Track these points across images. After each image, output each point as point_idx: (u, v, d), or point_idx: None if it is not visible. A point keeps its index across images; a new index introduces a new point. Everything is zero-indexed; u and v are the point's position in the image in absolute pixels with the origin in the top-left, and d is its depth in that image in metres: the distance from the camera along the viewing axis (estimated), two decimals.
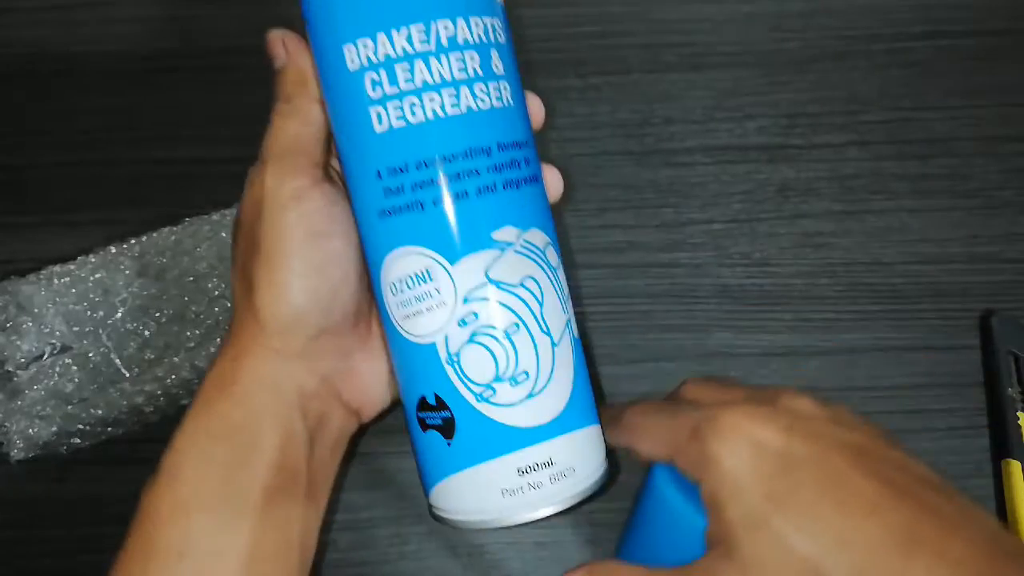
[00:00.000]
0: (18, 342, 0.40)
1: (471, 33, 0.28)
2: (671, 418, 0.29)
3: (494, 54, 0.29)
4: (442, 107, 0.28)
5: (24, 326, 0.40)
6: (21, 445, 0.39)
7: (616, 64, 0.47)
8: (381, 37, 0.28)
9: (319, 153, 0.31)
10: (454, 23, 0.28)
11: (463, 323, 0.28)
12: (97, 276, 0.41)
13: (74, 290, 0.41)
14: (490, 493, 0.29)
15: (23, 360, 0.40)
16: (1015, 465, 0.39)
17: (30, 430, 0.39)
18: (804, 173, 0.45)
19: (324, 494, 0.32)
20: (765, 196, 0.45)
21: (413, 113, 0.28)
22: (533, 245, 0.29)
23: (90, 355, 0.40)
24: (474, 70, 0.28)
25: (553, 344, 0.29)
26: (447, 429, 0.29)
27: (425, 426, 0.30)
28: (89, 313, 0.40)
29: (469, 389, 0.29)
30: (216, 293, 0.41)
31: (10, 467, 0.39)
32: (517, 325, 0.29)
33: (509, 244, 0.29)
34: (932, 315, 0.43)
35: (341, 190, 0.31)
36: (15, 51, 0.47)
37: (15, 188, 0.45)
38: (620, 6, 0.47)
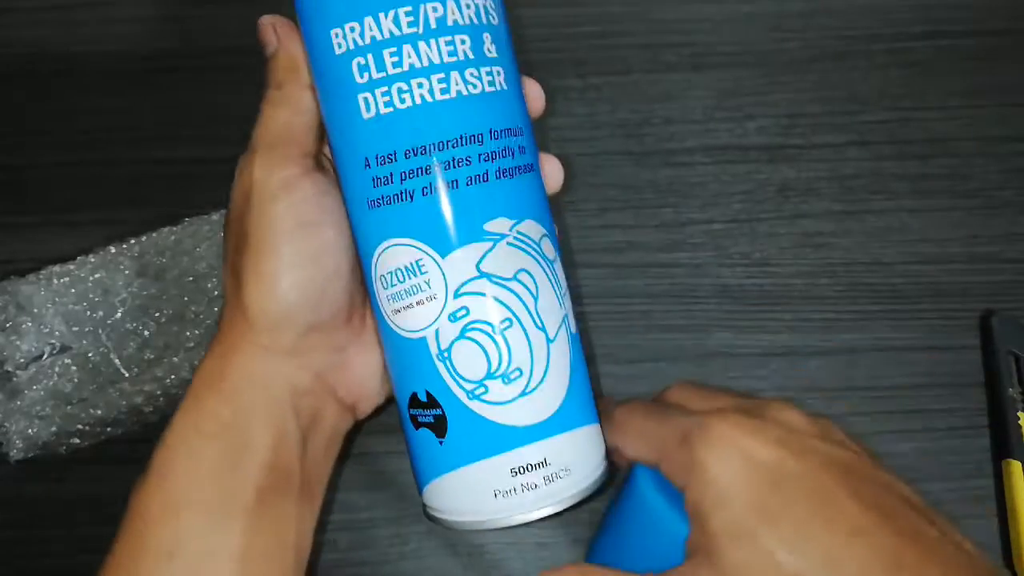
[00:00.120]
0: (17, 342, 0.40)
1: (461, 15, 0.27)
2: (661, 422, 0.29)
3: (487, 37, 0.28)
4: (431, 92, 0.27)
5: (24, 326, 0.40)
6: (20, 445, 0.39)
7: (616, 64, 0.47)
8: (368, 20, 0.27)
9: (310, 142, 0.30)
10: (444, 4, 0.27)
11: (454, 318, 0.28)
12: (97, 276, 0.41)
13: (74, 290, 0.41)
14: (483, 493, 0.28)
15: (22, 360, 0.40)
16: (1015, 465, 0.39)
17: (29, 430, 0.39)
18: (804, 173, 0.45)
19: (319, 492, 0.31)
20: (765, 196, 0.45)
21: (401, 99, 0.27)
22: (527, 237, 0.28)
23: (89, 355, 0.40)
24: (465, 53, 0.27)
25: (548, 340, 0.29)
26: (439, 427, 0.28)
27: (417, 423, 0.29)
28: (89, 313, 0.40)
29: (461, 386, 0.28)
30: (216, 293, 0.41)
31: (10, 467, 0.39)
32: (510, 320, 0.28)
33: (502, 236, 0.28)
34: (932, 315, 0.43)
35: (333, 179, 0.30)
36: (15, 51, 0.47)
37: (15, 188, 0.45)
38: (620, 6, 0.47)
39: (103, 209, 0.44)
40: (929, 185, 0.45)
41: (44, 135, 0.45)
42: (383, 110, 0.27)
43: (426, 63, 0.27)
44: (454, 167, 0.27)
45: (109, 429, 0.40)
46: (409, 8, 0.27)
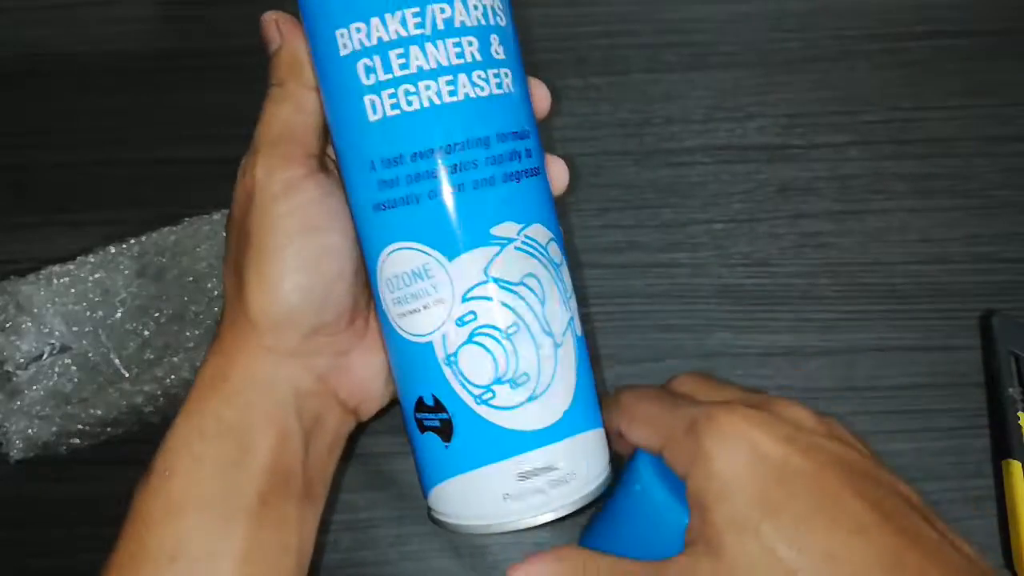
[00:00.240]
0: (17, 342, 0.40)
1: (469, 16, 0.27)
2: (668, 409, 0.29)
3: (494, 39, 0.28)
4: (438, 94, 0.27)
5: (24, 326, 0.40)
6: (20, 445, 0.39)
7: (616, 64, 0.47)
8: (374, 21, 0.26)
9: (313, 142, 0.30)
10: (451, 5, 0.27)
11: (461, 322, 0.27)
12: (97, 276, 0.41)
13: (74, 290, 0.40)
14: (489, 498, 0.28)
15: (22, 360, 0.40)
16: (1015, 465, 0.39)
17: (29, 430, 0.39)
18: (804, 173, 0.45)
19: (322, 494, 0.31)
20: (765, 196, 0.45)
21: (408, 101, 0.27)
22: (535, 241, 0.28)
23: (89, 355, 0.40)
24: (472, 55, 0.27)
25: (556, 344, 0.28)
26: (445, 431, 0.28)
27: (423, 428, 0.29)
28: (88, 313, 0.40)
29: (468, 391, 0.28)
30: (216, 293, 0.41)
31: (10, 467, 0.39)
32: (518, 325, 0.28)
33: (509, 240, 0.28)
34: (932, 315, 0.43)
35: (337, 181, 0.30)
36: (16, 51, 0.47)
37: (15, 188, 0.45)
38: (621, 6, 0.47)
39: (103, 209, 0.44)
40: (929, 185, 0.45)
41: (44, 135, 0.45)
42: (389, 112, 0.27)
43: (433, 65, 0.27)
44: (461, 171, 0.27)
45: (109, 429, 0.40)
46: (416, 9, 0.26)
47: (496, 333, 0.27)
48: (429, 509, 0.31)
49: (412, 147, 0.27)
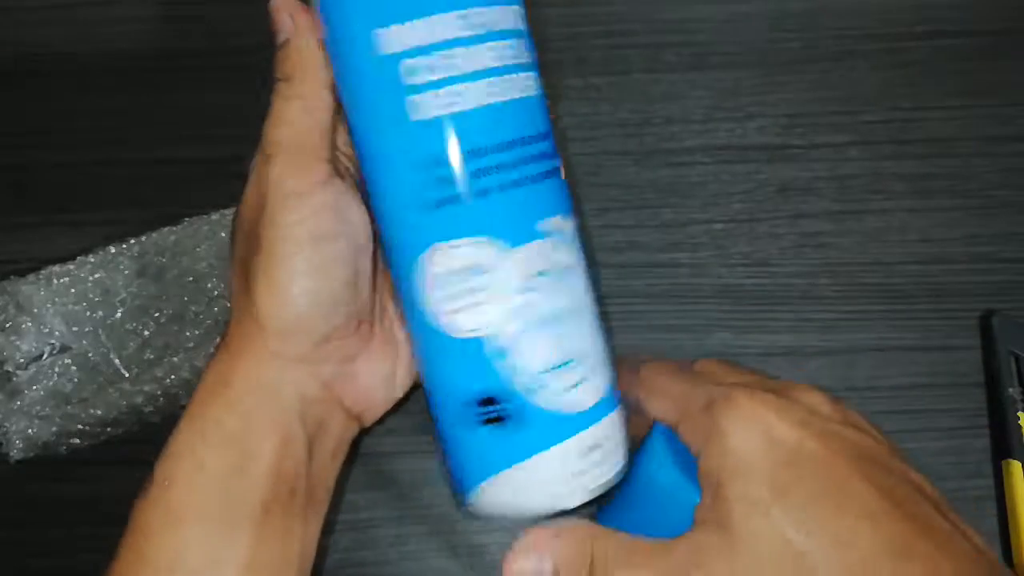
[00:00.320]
0: (17, 342, 0.40)
1: (505, 21, 0.28)
2: (687, 385, 0.29)
3: (523, 43, 0.29)
4: (483, 95, 0.28)
5: (24, 326, 0.40)
6: (21, 445, 0.39)
7: (616, 64, 0.47)
8: (419, 22, 0.27)
9: (327, 145, 0.29)
10: (490, 10, 0.28)
11: (515, 313, 0.28)
12: (97, 276, 0.41)
13: (73, 290, 0.41)
14: (545, 482, 0.29)
15: (22, 360, 0.40)
16: (1015, 465, 0.39)
17: (29, 430, 0.39)
18: (804, 173, 0.45)
19: (324, 502, 0.31)
20: (765, 196, 0.45)
21: (455, 102, 0.27)
22: (571, 232, 0.30)
23: (89, 355, 0.40)
24: (510, 58, 0.28)
25: (597, 327, 0.30)
26: (503, 422, 0.29)
27: (477, 422, 0.29)
28: (88, 313, 0.40)
29: (524, 379, 0.28)
30: (216, 293, 0.41)
31: (10, 467, 0.39)
32: (566, 311, 0.29)
33: (552, 232, 0.29)
34: (932, 315, 0.43)
35: (350, 185, 0.30)
36: (15, 51, 0.47)
37: (15, 188, 0.45)
38: (621, 6, 0.47)
39: (103, 209, 0.44)
40: (929, 185, 0.45)
41: (44, 135, 0.45)
42: (437, 112, 0.27)
43: (477, 67, 0.27)
44: (509, 168, 0.28)
45: (109, 429, 0.40)
46: (458, 12, 0.27)
47: (548, 320, 0.29)
48: (469, 505, 0.31)
49: (462, 146, 0.27)
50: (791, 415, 0.27)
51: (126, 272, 0.41)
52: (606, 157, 0.45)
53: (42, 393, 0.39)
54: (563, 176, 0.31)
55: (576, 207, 0.44)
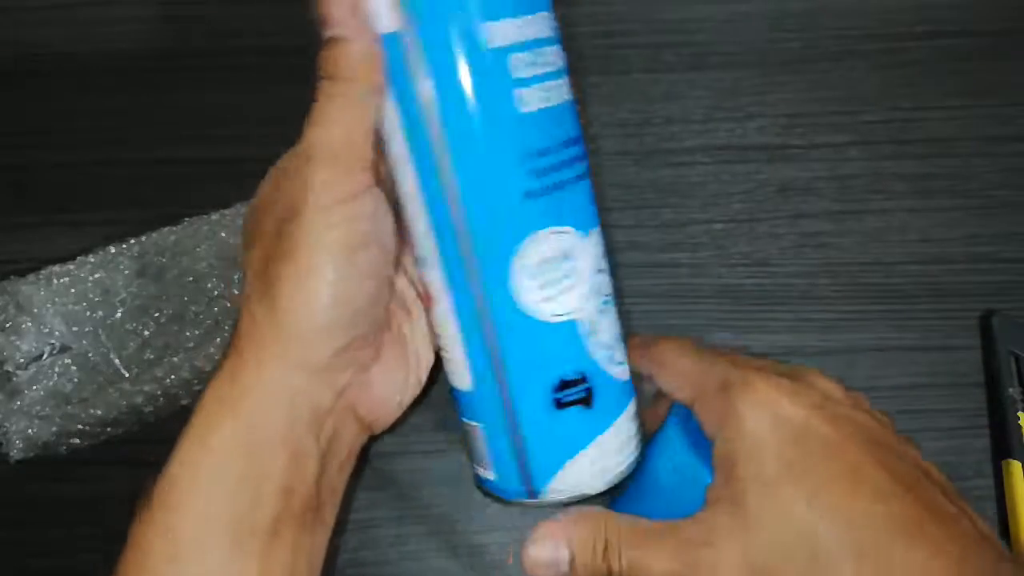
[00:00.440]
0: (17, 342, 0.40)
1: (557, 29, 0.30)
2: (703, 363, 0.30)
3: None
4: (563, 92, 0.30)
5: (23, 326, 0.40)
6: (21, 445, 0.39)
7: (616, 64, 0.47)
8: (524, 19, 0.28)
9: (371, 152, 0.28)
10: (553, 17, 0.30)
11: (594, 294, 0.30)
12: (97, 276, 0.41)
13: (73, 290, 0.41)
14: (608, 454, 0.31)
15: (22, 360, 0.40)
16: (1015, 465, 0.39)
17: (29, 430, 0.39)
18: (804, 173, 0.45)
19: (333, 513, 0.30)
20: (765, 196, 0.45)
21: (548, 97, 0.29)
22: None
23: (89, 355, 0.40)
24: (563, 61, 0.30)
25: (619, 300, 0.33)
26: (587, 400, 0.30)
27: (562, 404, 0.30)
28: (88, 313, 0.40)
29: (602, 355, 0.31)
30: (216, 293, 0.41)
31: (10, 467, 0.39)
32: (613, 291, 0.32)
33: (598, 222, 0.32)
34: (932, 315, 0.43)
35: (387, 193, 0.29)
36: (15, 51, 0.47)
37: (15, 188, 0.45)
38: (621, 6, 0.47)
39: (103, 209, 0.44)
40: (929, 185, 0.45)
41: (44, 135, 0.45)
42: (538, 105, 0.29)
43: (559, 66, 0.30)
44: (579, 160, 0.30)
45: (109, 429, 0.40)
46: (543, 14, 0.29)
47: (608, 300, 0.31)
48: (543, 493, 0.31)
49: (554, 139, 0.29)
50: (804, 399, 0.27)
51: (126, 272, 0.41)
52: (606, 157, 0.45)
53: (42, 393, 0.39)
54: None
55: None
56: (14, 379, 0.40)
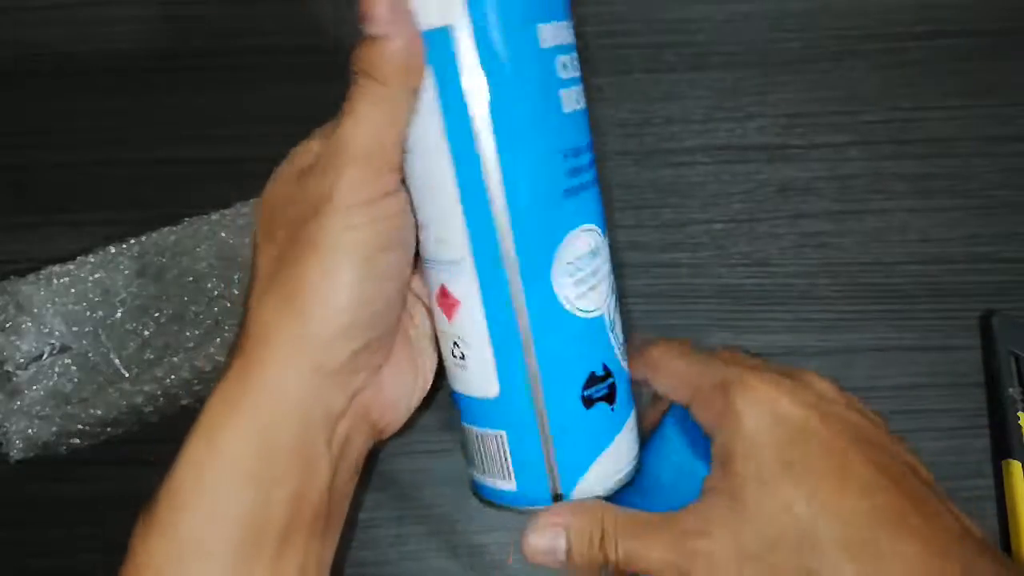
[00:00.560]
0: (17, 342, 0.40)
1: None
2: (699, 364, 0.30)
3: None
4: (583, 97, 0.31)
5: (23, 326, 0.40)
6: (20, 445, 0.39)
7: (616, 64, 0.47)
8: (562, 24, 0.29)
9: (400, 155, 0.27)
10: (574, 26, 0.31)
11: (612, 290, 0.32)
12: (97, 276, 0.41)
13: (73, 290, 0.41)
14: (626, 450, 0.32)
15: (22, 360, 0.40)
16: (1015, 465, 0.39)
17: (29, 430, 0.39)
18: (804, 173, 0.45)
19: (342, 517, 0.30)
20: (765, 196, 0.45)
21: (578, 99, 0.30)
22: None
23: (89, 355, 0.40)
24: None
25: None
26: (611, 395, 0.31)
27: (590, 402, 0.30)
28: (88, 313, 0.40)
29: (619, 350, 0.32)
30: (216, 293, 0.41)
31: (10, 467, 0.39)
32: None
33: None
34: (932, 315, 0.43)
35: (409, 196, 0.29)
36: (15, 51, 0.47)
37: (15, 188, 0.45)
38: (621, 6, 0.47)
39: (103, 209, 0.44)
40: (929, 185, 0.45)
41: (44, 135, 0.45)
42: (575, 107, 0.30)
43: (581, 71, 0.31)
44: (594, 163, 0.31)
45: (109, 429, 0.40)
46: (570, 21, 0.30)
47: (618, 296, 0.32)
48: (570, 498, 0.31)
49: (586, 139, 0.31)
50: (800, 397, 0.28)
51: (126, 272, 0.41)
52: (606, 157, 0.45)
53: (42, 393, 0.39)
54: None
55: None
56: (14, 379, 0.40)
